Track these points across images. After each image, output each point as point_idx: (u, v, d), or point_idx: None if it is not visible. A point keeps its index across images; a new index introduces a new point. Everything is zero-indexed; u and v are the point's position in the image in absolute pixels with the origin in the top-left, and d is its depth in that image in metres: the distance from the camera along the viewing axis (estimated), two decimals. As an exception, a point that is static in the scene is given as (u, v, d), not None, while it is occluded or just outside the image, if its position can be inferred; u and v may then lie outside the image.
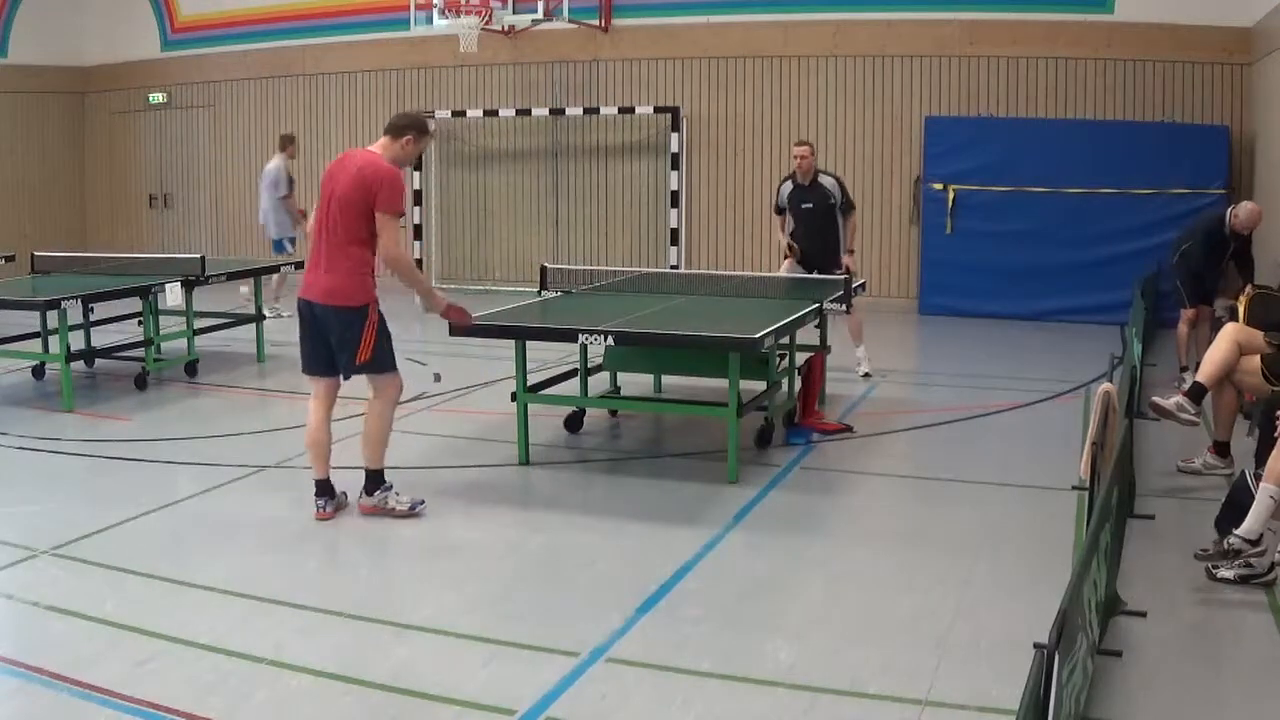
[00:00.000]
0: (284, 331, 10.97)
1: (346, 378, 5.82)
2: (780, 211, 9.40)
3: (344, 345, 5.63)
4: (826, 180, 9.18)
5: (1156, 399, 6.25)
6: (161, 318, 9.54)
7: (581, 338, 6.52)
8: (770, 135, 14.04)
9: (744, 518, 5.81)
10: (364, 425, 5.86)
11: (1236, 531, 4.70)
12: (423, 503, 5.85)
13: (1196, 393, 6.18)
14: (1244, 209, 8.84)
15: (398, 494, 5.83)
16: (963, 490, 6.44)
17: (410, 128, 5.72)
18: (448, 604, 4.69)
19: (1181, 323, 9.15)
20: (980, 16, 13.12)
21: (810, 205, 9.13)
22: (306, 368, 5.85)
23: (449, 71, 15.37)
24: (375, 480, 5.82)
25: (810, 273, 9.09)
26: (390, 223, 5.53)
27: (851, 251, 9.23)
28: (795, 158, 9.20)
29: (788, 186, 9.28)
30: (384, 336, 5.71)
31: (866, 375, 9.32)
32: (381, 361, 5.71)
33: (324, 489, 5.81)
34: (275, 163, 13.05)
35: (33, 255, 10.49)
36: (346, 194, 5.53)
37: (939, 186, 13.06)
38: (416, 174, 15.23)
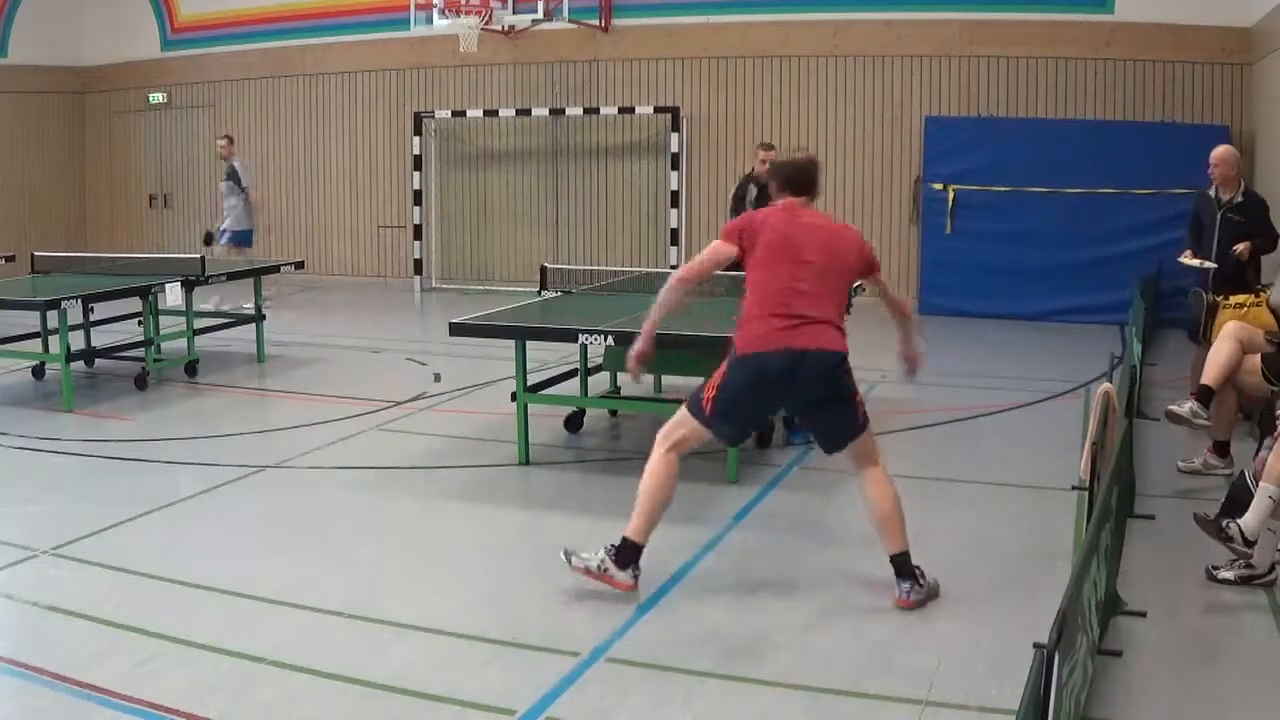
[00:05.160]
0: (284, 332, 10.98)
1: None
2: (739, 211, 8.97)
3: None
4: None
5: (1172, 408, 6.25)
6: (161, 318, 9.54)
7: (581, 338, 6.52)
8: (770, 135, 13.98)
9: (744, 518, 5.81)
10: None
11: (1239, 521, 4.69)
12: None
13: (1205, 395, 6.19)
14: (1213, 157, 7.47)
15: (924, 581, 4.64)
16: (963, 490, 6.44)
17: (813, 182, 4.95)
18: (448, 604, 4.69)
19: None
20: (980, 16, 13.12)
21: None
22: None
23: (449, 71, 15.36)
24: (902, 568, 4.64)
25: None
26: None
27: None
28: (761, 161, 9.30)
29: (753, 191, 9.38)
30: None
31: None
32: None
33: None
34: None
35: (33, 255, 10.49)
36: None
37: (939, 186, 13.05)
38: (416, 174, 15.23)
